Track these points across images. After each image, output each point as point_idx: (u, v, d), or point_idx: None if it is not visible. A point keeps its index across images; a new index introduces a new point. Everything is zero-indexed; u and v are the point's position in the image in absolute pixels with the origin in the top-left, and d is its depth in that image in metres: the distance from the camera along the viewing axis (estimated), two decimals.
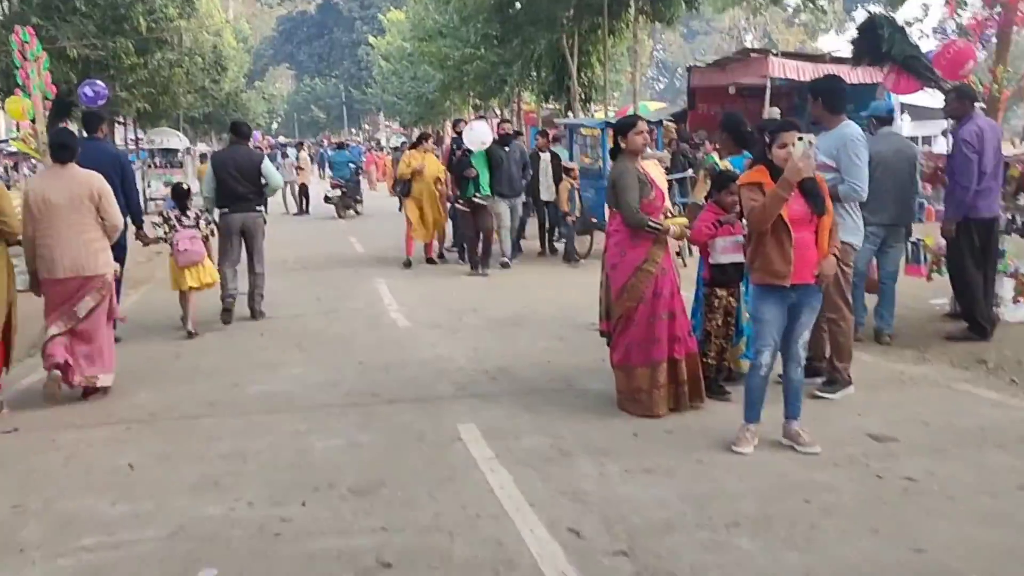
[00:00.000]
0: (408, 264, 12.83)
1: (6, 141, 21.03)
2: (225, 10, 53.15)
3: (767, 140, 5.07)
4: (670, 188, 12.41)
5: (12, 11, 14.65)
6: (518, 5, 19.80)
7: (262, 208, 9.56)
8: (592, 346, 7.56)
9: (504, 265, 12.37)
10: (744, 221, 5.25)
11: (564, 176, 13.02)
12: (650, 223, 5.71)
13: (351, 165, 22.51)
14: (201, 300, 9.04)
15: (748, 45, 68.30)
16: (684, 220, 6.34)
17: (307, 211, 23.22)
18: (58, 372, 6.23)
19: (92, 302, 6.37)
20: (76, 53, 15.75)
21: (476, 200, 11.91)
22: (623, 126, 5.93)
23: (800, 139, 4.85)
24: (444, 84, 27.10)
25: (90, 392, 6.50)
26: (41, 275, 6.34)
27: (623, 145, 5.89)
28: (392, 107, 45.01)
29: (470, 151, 11.89)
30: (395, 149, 30.99)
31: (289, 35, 77.16)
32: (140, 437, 5.64)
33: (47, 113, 11.63)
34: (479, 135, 11.98)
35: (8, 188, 15.26)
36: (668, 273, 5.81)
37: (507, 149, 12.40)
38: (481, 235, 12.09)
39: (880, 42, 8.00)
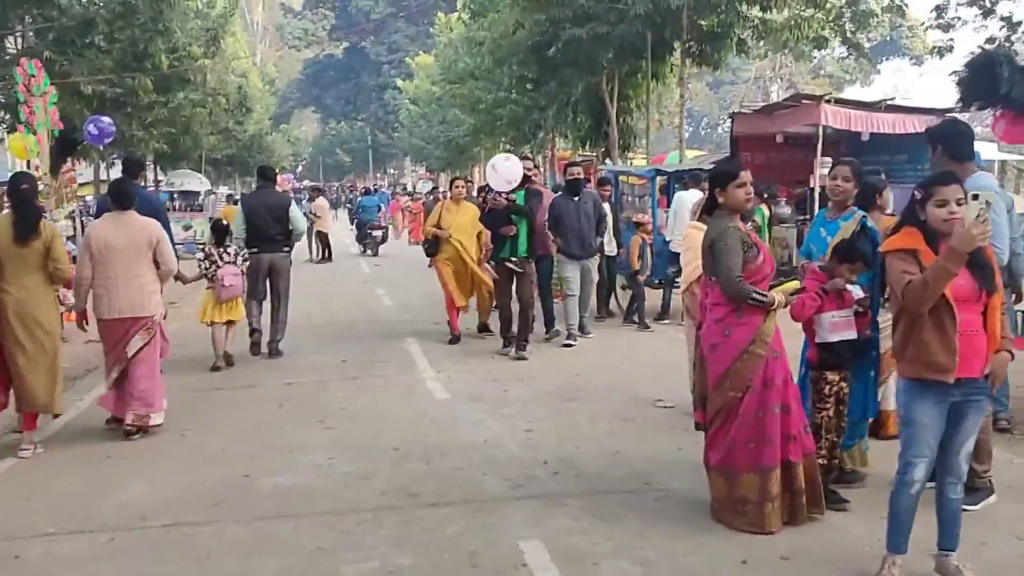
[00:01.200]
0: (455, 340, 10.29)
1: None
2: (252, 52, 53.09)
3: (918, 196, 3.99)
4: None
5: (25, 45, 13.85)
6: (556, 47, 18.88)
7: (288, 249, 9.90)
8: (664, 430, 6.46)
9: (569, 344, 9.89)
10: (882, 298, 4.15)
11: (628, 228, 11.53)
12: (754, 294, 4.62)
13: (380, 208, 25.17)
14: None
15: (773, 96, 67.77)
16: (795, 284, 5.26)
17: (329, 258, 22.28)
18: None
19: (141, 341, 6.61)
20: (91, 90, 14.91)
21: (510, 266, 9.40)
22: (721, 177, 4.85)
23: (975, 197, 3.75)
24: (475, 128, 26.26)
25: (136, 431, 6.60)
26: (97, 315, 6.65)
27: (720, 200, 4.82)
28: (420, 152, 44.28)
29: (511, 200, 9.36)
30: (428, 194, 30.14)
31: (316, 78, 77.06)
32: (123, 552, 4.54)
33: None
34: (506, 173, 9.51)
35: None
36: (780, 356, 4.70)
37: (577, 199, 10.12)
38: (519, 307, 9.57)
39: (998, 83, 6.93)
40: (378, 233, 24.09)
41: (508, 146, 29.32)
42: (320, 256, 22.35)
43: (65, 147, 10.96)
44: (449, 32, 35.65)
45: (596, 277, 10.75)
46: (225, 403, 7.75)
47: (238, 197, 23.79)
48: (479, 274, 10.15)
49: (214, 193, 31.01)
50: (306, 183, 56.29)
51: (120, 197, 6.78)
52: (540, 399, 7.57)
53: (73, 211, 15.58)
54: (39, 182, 10.51)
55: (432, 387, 8.16)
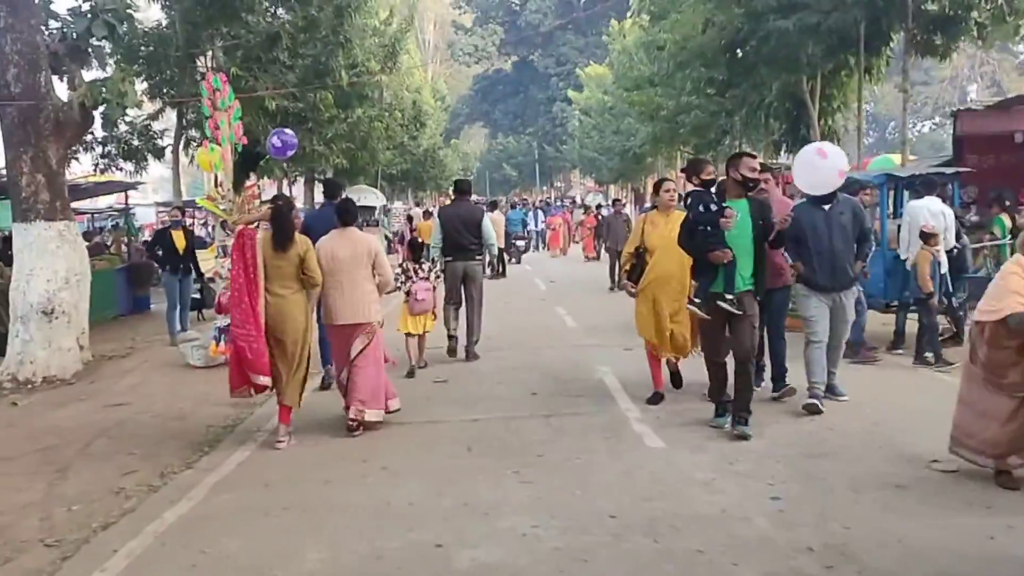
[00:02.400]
0: (656, 399, 7.82)
1: (192, 202, 20.53)
2: (424, 69, 53.77)
3: None
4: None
5: (215, 64, 13.77)
6: (751, 44, 17.39)
7: (481, 258, 10.51)
8: (957, 505, 5.09)
9: (812, 408, 7.21)
10: None
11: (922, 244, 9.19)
12: None
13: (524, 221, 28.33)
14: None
15: (973, 96, 62.42)
16: None
17: (503, 274, 21.55)
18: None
19: (361, 344, 7.19)
20: (275, 105, 14.70)
21: (724, 305, 6.58)
22: None
23: None
24: (654, 137, 24.96)
25: (356, 426, 7.12)
26: (326, 321, 7.41)
27: None
28: (591, 163, 43.27)
29: (714, 209, 6.50)
30: (598, 208, 29.08)
31: (485, 93, 77.67)
32: None
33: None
34: (829, 172, 7.17)
35: (205, 246, 14.35)
36: None
37: (828, 207, 7.35)
38: (735, 361, 6.78)
39: None
40: (521, 243, 27.37)
41: (688, 154, 27.90)
42: (494, 271, 21.65)
43: (248, 162, 10.51)
44: (623, 39, 34.55)
45: (852, 316, 7.72)
46: (410, 442, 6.90)
47: (434, 211, 24.27)
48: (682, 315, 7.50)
49: (389, 209, 31.10)
50: (474, 198, 56.31)
51: (344, 214, 7.49)
52: (777, 452, 6.27)
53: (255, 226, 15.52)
54: (222, 198, 10.17)
55: (640, 431, 7.00)
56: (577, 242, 29.34)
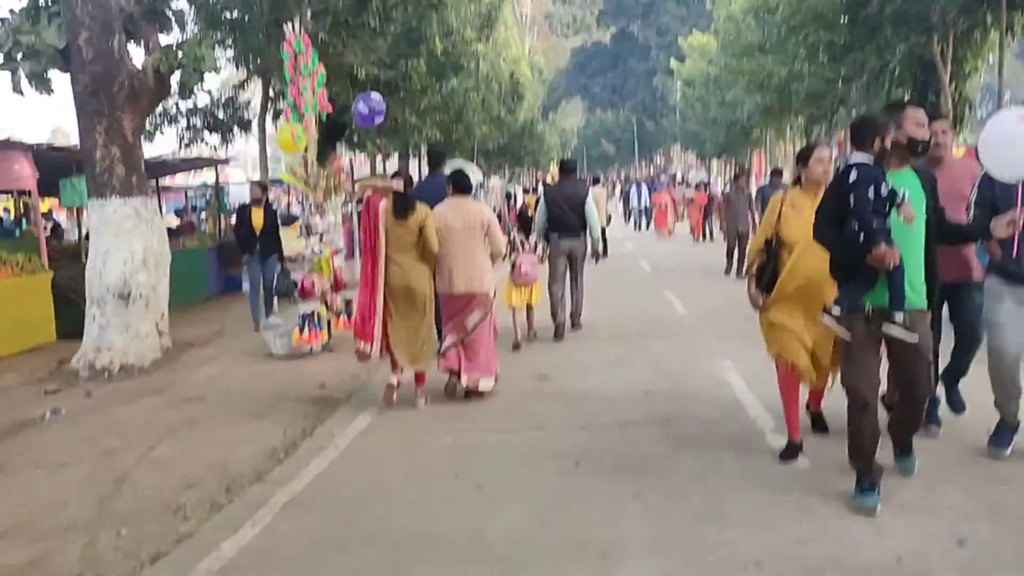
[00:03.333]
0: (792, 452, 5.64)
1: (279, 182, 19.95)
2: (522, 42, 52.66)
3: None
4: None
5: (303, 31, 13.10)
6: (874, 4, 15.87)
7: (584, 235, 10.38)
8: None
9: (996, 451, 5.48)
10: None
11: None
12: None
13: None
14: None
15: None
16: None
17: (605, 254, 20.48)
18: (451, 376, 7.46)
19: (478, 316, 7.34)
20: (364, 73, 13.93)
21: (894, 332, 4.60)
22: None
23: None
24: (765, 108, 23.41)
25: (473, 394, 7.39)
26: (439, 290, 7.35)
27: None
28: (694, 137, 41.58)
29: (892, 195, 4.50)
30: (734, 180, 27.58)
31: (583, 67, 76.25)
32: None
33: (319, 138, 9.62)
34: None
35: (288, 224, 13.69)
36: None
37: None
38: (908, 389, 4.91)
39: None
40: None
41: (800, 125, 26.25)
42: (595, 254, 20.58)
43: (333, 132, 9.74)
44: (729, 4, 32.84)
45: None
46: (509, 454, 6.01)
47: (538, 187, 23.46)
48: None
49: (482, 187, 30.30)
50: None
51: (460, 184, 7.54)
52: (950, 476, 5.15)
53: (345, 203, 14.83)
54: (305, 171, 9.44)
55: (778, 446, 5.94)
56: (681, 221, 27.89)
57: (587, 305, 11.53)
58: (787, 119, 25.27)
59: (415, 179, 8.25)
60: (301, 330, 9.42)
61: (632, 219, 31.76)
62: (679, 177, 42.62)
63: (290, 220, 14.17)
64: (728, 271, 15.80)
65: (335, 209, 10.44)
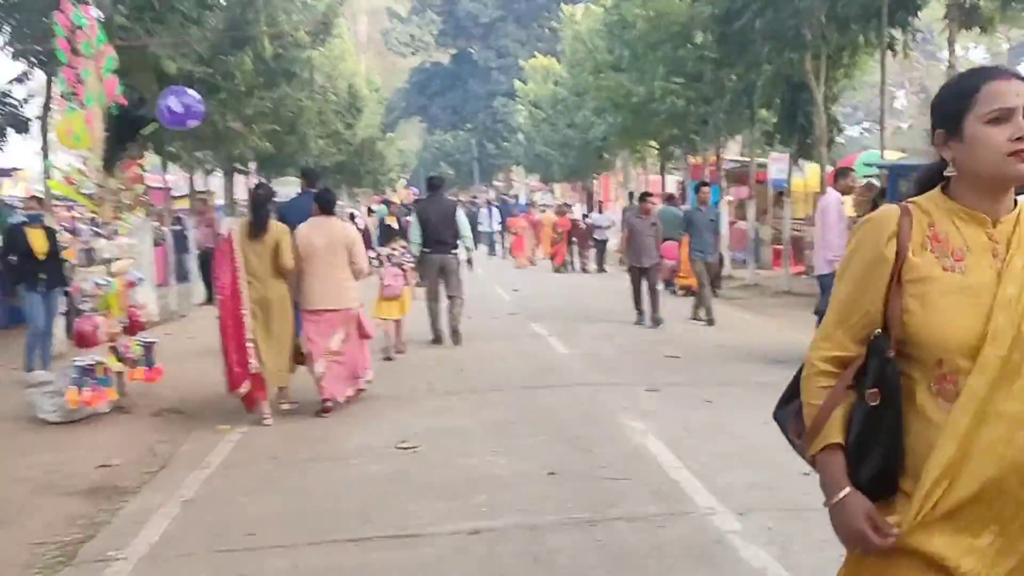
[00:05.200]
0: None
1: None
2: (358, 59, 50.30)
3: None
4: None
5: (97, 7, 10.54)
6: (750, 15, 14.85)
7: (457, 250, 10.55)
8: None
9: None
10: None
11: None
12: None
13: None
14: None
15: (902, 102, 60.65)
16: None
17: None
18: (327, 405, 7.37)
19: (343, 333, 7.42)
20: (175, 68, 11.51)
21: None
22: None
23: None
24: (624, 128, 22.26)
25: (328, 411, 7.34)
26: (302, 307, 7.44)
27: None
28: (539, 160, 40.37)
29: None
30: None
31: (422, 87, 74.24)
32: None
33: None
34: None
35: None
36: None
37: None
38: None
39: None
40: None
41: (656, 149, 25.38)
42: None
43: (124, 130, 7.49)
44: (574, 25, 31.94)
45: None
46: None
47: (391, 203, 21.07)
48: None
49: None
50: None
51: (325, 204, 7.67)
52: None
53: (152, 225, 12.37)
54: (85, 178, 7.12)
55: (748, 555, 4.23)
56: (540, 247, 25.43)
57: (451, 343, 9.80)
58: (646, 141, 24.18)
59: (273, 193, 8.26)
60: (79, 388, 7.01)
61: (484, 244, 29.46)
62: (522, 199, 41.30)
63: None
64: (641, 320, 12.18)
65: (132, 229, 8.11)
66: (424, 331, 10.79)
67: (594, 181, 38.77)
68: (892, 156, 19.04)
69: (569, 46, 31.71)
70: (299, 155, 22.56)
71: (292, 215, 8.08)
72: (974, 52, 60.10)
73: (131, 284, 7.59)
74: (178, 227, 18.53)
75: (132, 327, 7.62)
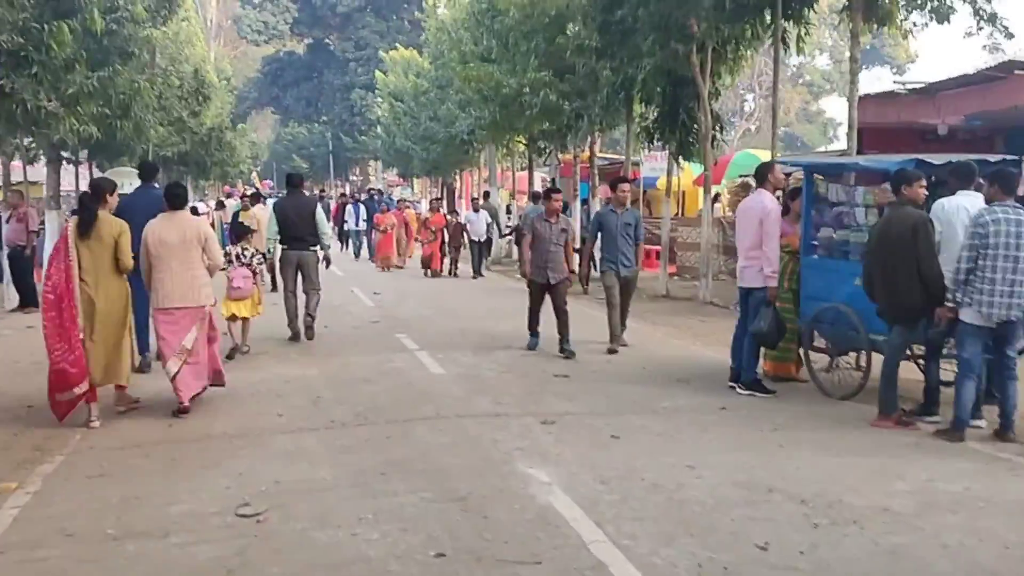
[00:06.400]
0: None
1: None
2: (207, 45, 47.28)
3: None
4: None
5: None
6: (631, 3, 13.95)
7: (315, 247, 10.66)
8: None
9: None
10: None
11: None
12: None
13: None
14: None
15: (751, 104, 62.31)
16: None
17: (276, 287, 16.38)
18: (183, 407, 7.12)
19: (196, 332, 7.20)
20: None
21: None
22: None
23: None
24: (493, 121, 21.02)
25: (184, 412, 7.12)
26: (154, 305, 7.25)
27: None
28: (400, 155, 38.68)
29: None
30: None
31: (275, 77, 70.94)
32: None
33: None
34: None
35: None
36: None
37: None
38: None
39: None
40: None
41: (524, 144, 24.32)
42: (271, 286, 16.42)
43: None
44: (438, 14, 30.61)
45: None
46: None
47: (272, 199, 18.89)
48: None
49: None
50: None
51: (174, 199, 7.42)
52: None
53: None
54: None
55: None
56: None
57: (306, 359, 8.41)
58: (516, 135, 22.96)
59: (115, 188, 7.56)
60: None
61: (348, 244, 27.03)
62: (384, 195, 39.41)
63: None
64: (534, 338, 10.16)
65: None
66: (275, 331, 10.66)
67: (456, 177, 37.52)
68: (763, 155, 18.72)
69: (433, 36, 30.32)
70: (135, 143, 20.25)
71: (134, 209, 7.80)
72: (820, 59, 62.70)
73: None
74: None
75: None
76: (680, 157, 16.34)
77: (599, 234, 10.28)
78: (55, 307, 6.74)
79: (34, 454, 6.22)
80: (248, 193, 18.87)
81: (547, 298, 9.92)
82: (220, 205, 24.59)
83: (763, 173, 8.14)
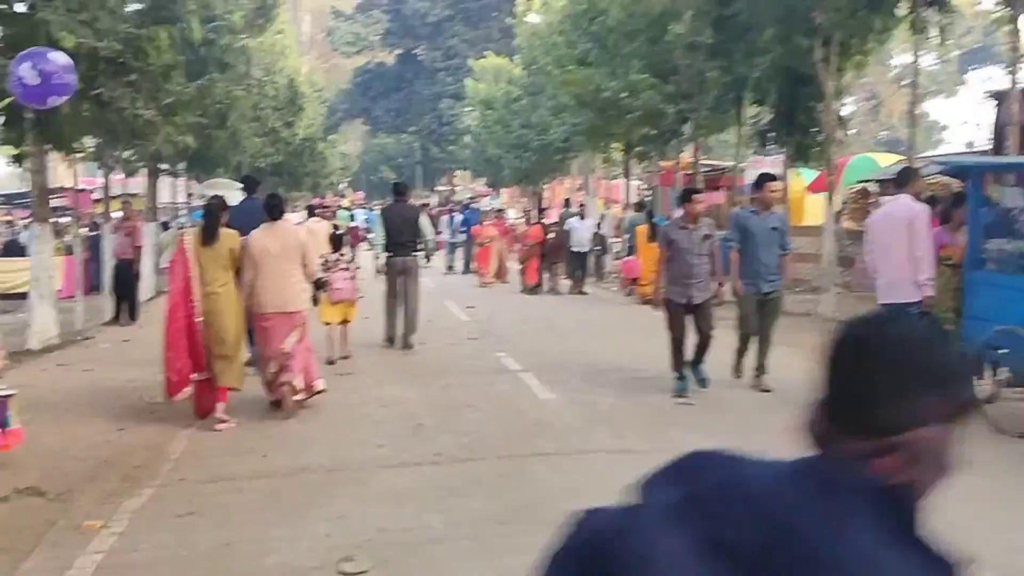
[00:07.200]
0: None
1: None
2: (300, 55, 47.81)
3: None
4: None
5: None
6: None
7: (418, 253, 11.31)
8: None
9: None
10: None
11: None
12: None
13: None
14: None
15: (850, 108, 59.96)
16: None
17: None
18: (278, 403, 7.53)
19: (296, 336, 7.51)
20: (74, 42, 9.25)
21: None
22: None
23: None
24: (591, 127, 20.25)
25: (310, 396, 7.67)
26: (255, 311, 7.53)
27: None
28: (492, 163, 38.03)
29: None
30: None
31: (365, 88, 71.64)
32: None
33: None
34: None
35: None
36: None
37: None
38: None
39: None
40: None
41: (623, 151, 23.43)
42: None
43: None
44: (530, 19, 29.99)
45: None
46: None
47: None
48: None
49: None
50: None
51: (274, 210, 7.82)
52: None
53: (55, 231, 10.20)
54: None
55: None
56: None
57: (404, 380, 7.89)
58: (615, 141, 22.00)
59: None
60: None
61: (446, 258, 24.71)
62: (472, 206, 38.68)
63: None
64: (681, 379, 8.20)
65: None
66: (366, 339, 10.83)
67: (544, 186, 36.80)
68: (888, 160, 17.49)
69: (525, 41, 29.76)
70: (231, 153, 20.17)
71: (241, 221, 8.06)
72: (924, 58, 60.17)
73: None
74: (94, 233, 16.14)
75: None
76: (798, 161, 15.29)
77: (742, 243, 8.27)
78: (175, 315, 7.10)
79: (123, 485, 5.76)
80: (341, 204, 18.59)
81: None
82: (311, 213, 24.30)
83: (906, 177, 7.28)
